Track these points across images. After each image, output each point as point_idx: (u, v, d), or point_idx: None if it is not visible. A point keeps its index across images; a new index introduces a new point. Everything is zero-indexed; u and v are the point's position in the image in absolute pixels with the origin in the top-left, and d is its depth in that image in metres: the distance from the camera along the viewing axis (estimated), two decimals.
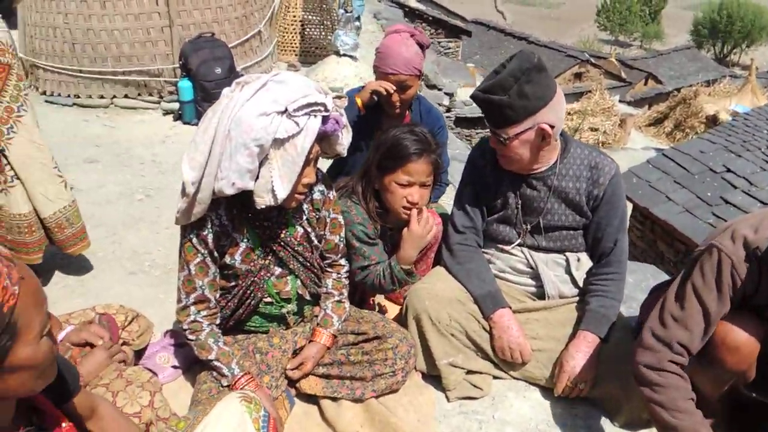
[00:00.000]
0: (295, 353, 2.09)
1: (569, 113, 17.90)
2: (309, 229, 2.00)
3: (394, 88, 2.54)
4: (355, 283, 2.25)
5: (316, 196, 2.00)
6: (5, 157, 2.47)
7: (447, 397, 2.17)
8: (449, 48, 14.54)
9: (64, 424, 1.21)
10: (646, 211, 6.71)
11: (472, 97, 2.04)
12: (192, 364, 2.14)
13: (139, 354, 2.22)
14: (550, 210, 2.15)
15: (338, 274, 2.17)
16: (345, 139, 1.92)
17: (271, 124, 1.62)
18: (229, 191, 1.69)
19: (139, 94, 5.67)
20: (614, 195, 2.11)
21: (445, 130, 2.84)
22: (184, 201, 1.76)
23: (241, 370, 1.90)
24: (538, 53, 1.98)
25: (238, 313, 2.01)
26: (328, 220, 2.05)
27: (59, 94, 5.68)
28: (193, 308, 1.90)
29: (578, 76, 22.23)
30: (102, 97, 5.62)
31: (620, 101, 19.90)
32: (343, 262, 2.17)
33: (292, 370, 2.04)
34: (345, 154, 1.97)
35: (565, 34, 44.44)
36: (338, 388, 2.04)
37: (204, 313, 1.91)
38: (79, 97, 5.63)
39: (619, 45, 43.79)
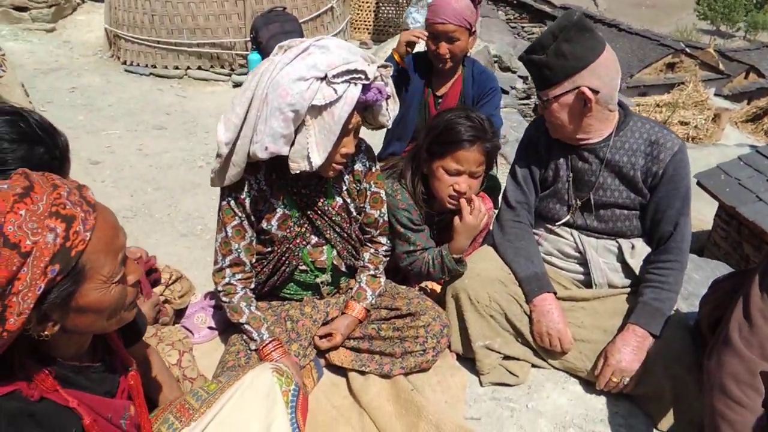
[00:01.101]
0: (326, 324, 2.05)
1: (658, 105, 16.96)
2: (348, 200, 1.95)
3: (426, 34, 2.52)
4: (399, 267, 2.19)
5: (358, 167, 1.95)
6: None
7: (480, 381, 2.07)
8: (533, 33, 14.15)
9: (131, 368, 1.28)
10: (733, 211, 6.28)
11: (520, 58, 1.97)
12: (227, 327, 2.15)
13: (180, 313, 2.26)
14: (602, 185, 2.00)
15: (376, 250, 2.11)
16: (391, 110, 1.83)
17: (307, 90, 1.57)
18: (262, 155, 1.65)
19: (211, 66, 5.80)
20: (676, 174, 1.92)
21: (498, 93, 2.75)
22: (218, 162, 1.74)
23: (269, 336, 1.88)
24: (580, 12, 1.86)
25: (273, 279, 1.99)
26: (368, 192, 1.99)
27: (138, 64, 5.91)
28: (228, 271, 1.89)
29: (671, 66, 20.93)
30: (177, 67, 5.80)
31: (716, 95, 18.66)
32: (383, 240, 2.11)
33: (321, 339, 2.00)
34: (389, 126, 1.89)
35: (660, 23, 42.13)
36: (367, 362, 2.00)
37: (239, 276, 1.91)
38: (155, 67, 5.84)
39: (720, 35, 41.06)
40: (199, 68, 5.74)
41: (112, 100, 5.28)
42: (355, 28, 7.28)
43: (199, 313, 2.28)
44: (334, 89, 1.59)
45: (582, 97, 1.85)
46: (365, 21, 7.25)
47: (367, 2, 7.22)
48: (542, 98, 1.94)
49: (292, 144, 1.66)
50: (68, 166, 1.56)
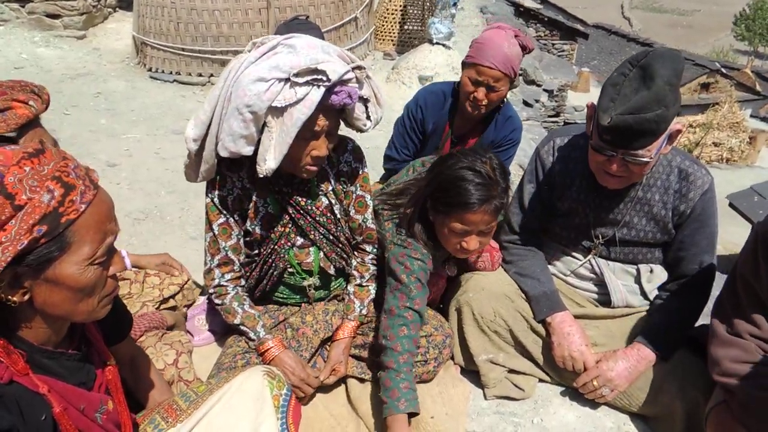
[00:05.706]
0: (330, 339, 1.97)
1: (691, 126, 16.62)
2: (333, 201, 1.87)
3: None
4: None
5: (344, 168, 1.87)
6: None
7: (485, 394, 1.98)
8: (563, 50, 14.03)
9: (109, 363, 1.26)
10: None
11: (610, 125, 1.57)
12: (228, 330, 2.10)
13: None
14: (628, 223, 1.89)
15: (362, 258, 2.02)
16: (373, 113, 1.72)
17: (266, 92, 1.52)
18: (224, 154, 1.63)
19: None
20: (703, 213, 1.82)
21: (517, 146, 2.55)
22: (187, 157, 1.74)
23: (266, 332, 1.85)
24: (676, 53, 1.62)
25: (262, 284, 1.94)
26: (354, 195, 1.91)
27: (162, 71, 5.98)
28: (217, 271, 1.86)
29: (705, 86, 20.48)
30: (200, 75, 5.86)
31: (752, 116, 18.25)
32: (368, 248, 2.01)
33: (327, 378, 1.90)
34: (366, 130, 1.75)
35: (696, 44, 41.59)
36: (367, 370, 1.93)
37: (228, 276, 1.87)
38: (179, 74, 5.90)
39: (759, 57, 40.21)
40: None
41: (134, 105, 5.35)
42: (379, 39, 7.27)
43: (199, 316, 2.24)
44: (295, 91, 1.53)
45: (675, 134, 1.66)
46: (390, 32, 7.22)
47: (392, 14, 7.21)
48: (643, 157, 1.62)
49: (259, 145, 1.61)
50: None
